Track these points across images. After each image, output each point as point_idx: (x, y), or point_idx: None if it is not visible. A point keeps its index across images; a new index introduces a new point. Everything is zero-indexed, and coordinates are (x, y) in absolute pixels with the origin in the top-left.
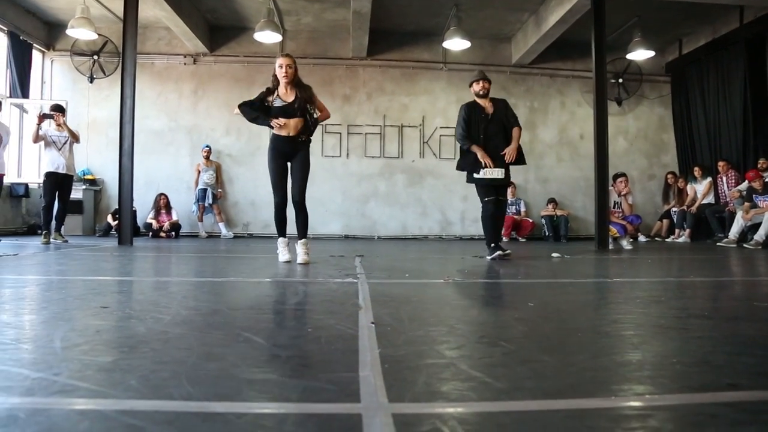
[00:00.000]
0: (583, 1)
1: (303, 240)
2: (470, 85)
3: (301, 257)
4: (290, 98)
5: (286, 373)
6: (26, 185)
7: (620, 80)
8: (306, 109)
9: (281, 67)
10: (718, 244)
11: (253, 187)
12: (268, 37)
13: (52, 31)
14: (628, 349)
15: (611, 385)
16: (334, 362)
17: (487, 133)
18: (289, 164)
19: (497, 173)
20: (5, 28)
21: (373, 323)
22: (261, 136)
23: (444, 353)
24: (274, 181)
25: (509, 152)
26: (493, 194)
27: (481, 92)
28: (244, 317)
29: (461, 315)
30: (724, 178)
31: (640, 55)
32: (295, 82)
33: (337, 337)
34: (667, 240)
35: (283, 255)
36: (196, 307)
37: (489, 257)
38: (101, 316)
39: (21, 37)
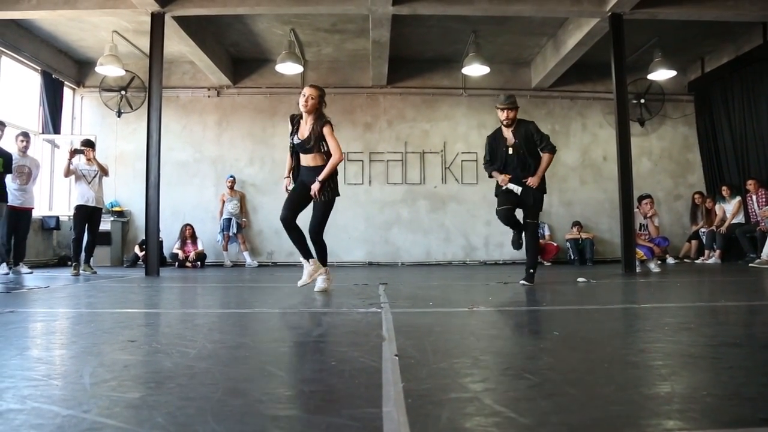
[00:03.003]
0: (602, 24)
1: (323, 269)
2: (497, 108)
3: (317, 285)
4: (306, 133)
5: (310, 409)
6: (57, 218)
7: (642, 101)
8: (319, 142)
9: (303, 95)
10: (750, 265)
11: (276, 216)
12: (289, 68)
13: (82, 69)
14: (657, 381)
15: (639, 419)
16: (358, 397)
17: (507, 165)
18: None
19: (514, 188)
20: (39, 68)
21: (396, 355)
22: (284, 165)
23: (468, 387)
24: (286, 200)
25: (531, 181)
26: (504, 203)
27: (504, 122)
28: (269, 350)
29: (486, 345)
30: (754, 197)
31: (662, 75)
32: (315, 114)
33: (361, 370)
34: (696, 261)
35: (301, 279)
36: (221, 340)
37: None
38: (129, 350)
39: (53, 76)
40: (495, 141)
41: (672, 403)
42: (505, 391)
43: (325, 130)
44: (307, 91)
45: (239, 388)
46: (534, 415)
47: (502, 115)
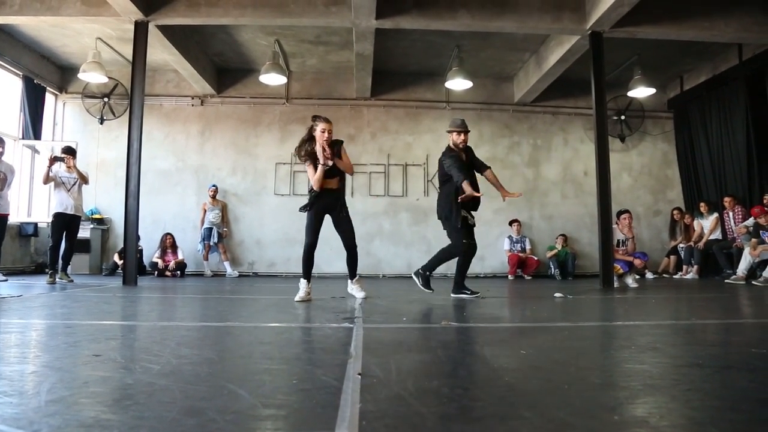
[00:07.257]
0: (582, 41)
1: (356, 278)
2: (451, 131)
3: (359, 294)
4: (330, 160)
5: (261, 430)
6: (35, 225)
7: (622, 117)
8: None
9: (324, 131)
10: (726, 281)
11: (258, 226)
12: (273, 79)
13: (64, 75)
14: (614, 404)
15: None
16: (313, 419)
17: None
18: (329, 216)
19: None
20: (20, 73)
21: (359, 374)
22: (266, 175)
23: (423, 409)
24: (310, 226)
25: (515, 193)
26: (471, 237)
27: (461, 145)
28: (233, 367)
29: (451, 365)
30: (731, 214)
31: (642, 92)
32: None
33: (321, 389)
34: (674, 277)
35: (299, 294)
36: (187, 356)
37: (467, 295)
38: (92, 365)
39: (35, 81)
40: (458, 158)
41: (624, 428)
42: (459, 415)
43: (343, 151)
44: (326, 126)
45: (196, 407)
46: None
47: (460, 138)
